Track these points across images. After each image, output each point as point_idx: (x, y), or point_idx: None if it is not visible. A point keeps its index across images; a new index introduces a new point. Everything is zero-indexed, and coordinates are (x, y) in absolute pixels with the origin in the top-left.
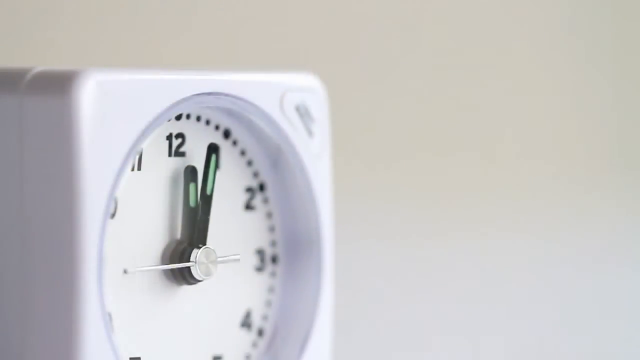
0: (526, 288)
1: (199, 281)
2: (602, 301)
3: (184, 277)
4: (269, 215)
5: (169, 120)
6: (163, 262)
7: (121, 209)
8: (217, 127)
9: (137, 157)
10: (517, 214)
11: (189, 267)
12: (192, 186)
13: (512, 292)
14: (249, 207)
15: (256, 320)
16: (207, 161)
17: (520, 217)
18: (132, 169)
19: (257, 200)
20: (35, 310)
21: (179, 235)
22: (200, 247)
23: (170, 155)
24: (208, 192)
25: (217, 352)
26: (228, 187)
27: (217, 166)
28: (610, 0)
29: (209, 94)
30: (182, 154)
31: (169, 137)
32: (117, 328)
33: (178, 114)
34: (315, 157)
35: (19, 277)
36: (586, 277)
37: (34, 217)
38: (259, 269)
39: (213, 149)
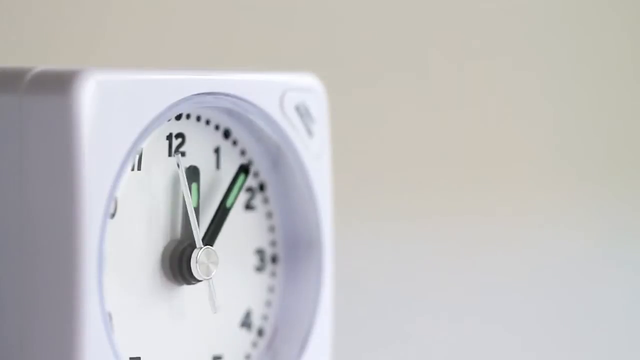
0: (527, 289)
1: (199, 281)
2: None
3: (184, 277)
4: (269, 215)
5: (169, 120)
6: (163, 262)
7: (121, 209)
8: (217, 127)
9: (137, 157)
10: (517, 216)
11: (189, 267)
12: (193, 186)
13: (513, 293)
14: (249, 207)
15: (256, 320)
16: (234, 178)
17: (520, 219)
18: (132, 169)
19: (257, 200)
20: (35, 310)
21: (179, 235)
22: (201, 247)
23: (170, 155)
24: (228, 205)
25: (217, 352)
26: (228, 187)
27: (242, 186)
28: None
29: (209, 94)
30: (182, 154)
31: (169, 137)
32: (117, 328)
33: (178, 114)
34: (315, 157)
35: (19, 277)
36: (585, 284)
37: (34, 217)
38: (259, 269)
39: (244, 170)
